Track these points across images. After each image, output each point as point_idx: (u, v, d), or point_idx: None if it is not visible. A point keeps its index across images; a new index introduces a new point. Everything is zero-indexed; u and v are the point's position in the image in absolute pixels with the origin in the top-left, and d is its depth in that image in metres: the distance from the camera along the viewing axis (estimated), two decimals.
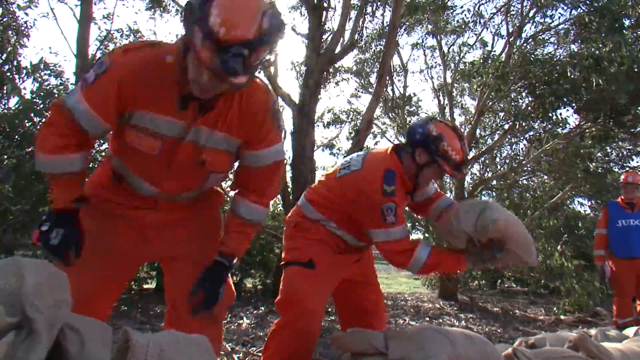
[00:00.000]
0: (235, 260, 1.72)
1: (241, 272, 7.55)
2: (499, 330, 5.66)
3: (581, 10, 5.63)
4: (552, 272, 7.61)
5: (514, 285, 12.01)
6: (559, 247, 6.72)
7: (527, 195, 10.15)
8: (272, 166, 1.69)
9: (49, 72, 7.88)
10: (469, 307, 7.47)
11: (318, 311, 2.21)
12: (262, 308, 6.21)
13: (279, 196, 11.64)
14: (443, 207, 2.46)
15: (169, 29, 29.10)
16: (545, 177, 10.16)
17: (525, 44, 7.23)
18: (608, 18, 5.42)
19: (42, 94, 7.40)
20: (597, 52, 5.13)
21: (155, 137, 1.54)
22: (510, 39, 7.15)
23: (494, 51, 8.13)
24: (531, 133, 8.72)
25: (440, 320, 6.15)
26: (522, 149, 10.45)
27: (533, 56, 6.83)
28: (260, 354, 2.60)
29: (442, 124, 2.27)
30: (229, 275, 1.78)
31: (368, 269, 2.53)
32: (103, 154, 5.54)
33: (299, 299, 2.14)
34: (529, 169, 9.85)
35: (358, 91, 11.12)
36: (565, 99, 6.62)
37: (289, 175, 8.24)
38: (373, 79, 10.72)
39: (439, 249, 2.34)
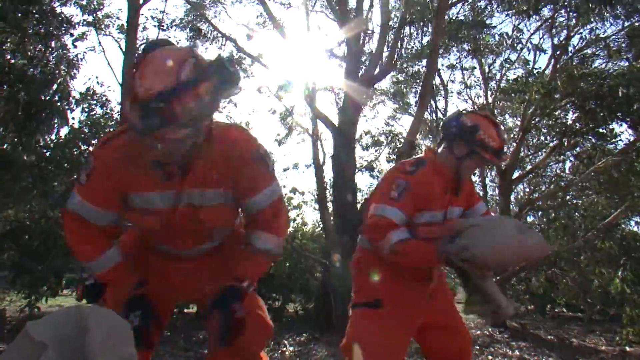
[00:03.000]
0: (247, 284, 1.67)
1: (282, 297, 7.46)
2: None
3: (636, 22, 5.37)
4: (610, 298, 7.16)
5: (565, 311, 11.36)
6: (619, 273, 6.28)
7: (576, 215, 9.68)
8: (270, 208, 1.71)
9: (95, 101, 8.20)
10: (520, 335, 7.07)
11: (385, 356, 2.05)
12: (305, 335, 6.08)
13: (318, 219, 11.58)
14: None
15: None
16: (594, 196, 9.67)
17: (570, 60, 6.98)
18: None
19: (89, 122, 7.70)
20: None
21: (153, 214, 1.62)
22: (557, 53, 6.92)
23: (538, 68, 7.90)
24: (578, 150, 8.36)
25: (492, 349, 5.83)
26: (568, 167, 10.04)
27: (581, 71, 6.56)
28: None
29: (474, 114, 2.25)
30: (259, 304, 1.85)
31: (446, 306, 2.33)
32: None
33: (364, 344, 2.03)
34: (577, 188, 9.41)
35: (395, 113, 11.05)
36: (619, 114, 6.31)
37: (330, 197, 8.17)
38: (410, 100, 10.64)
39: (415, 242, 2.06)
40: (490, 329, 7.44)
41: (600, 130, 7.08)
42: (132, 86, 1.33)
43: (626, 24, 6.60)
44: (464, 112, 2.27)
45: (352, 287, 2.29)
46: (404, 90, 10.27)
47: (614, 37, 6.73)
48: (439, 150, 2.24)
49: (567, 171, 10.22)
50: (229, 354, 1.66)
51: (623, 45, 6.54)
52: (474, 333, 7.12)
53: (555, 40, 7.12)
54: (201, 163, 1.56)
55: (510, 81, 7.81)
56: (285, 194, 10.34)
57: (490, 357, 5.30)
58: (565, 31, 7.07)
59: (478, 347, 5.90)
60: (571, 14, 6.80)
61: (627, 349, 6.20)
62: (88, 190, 1.59)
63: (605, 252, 7.40)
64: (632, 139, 7.22)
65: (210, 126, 1.55)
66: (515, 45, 8.48)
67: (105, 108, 8.72)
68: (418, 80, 10.09)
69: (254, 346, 1.77)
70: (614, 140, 7.36)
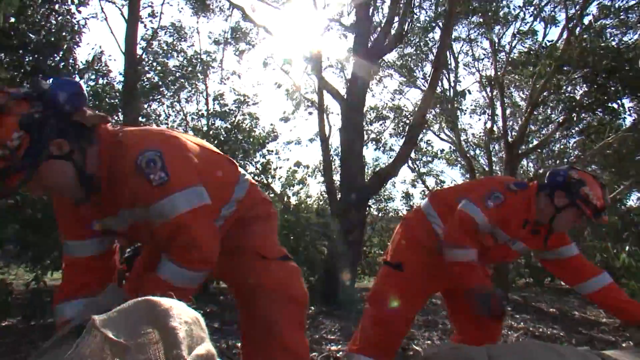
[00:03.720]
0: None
1: None
2: (561, 334, 5.40)
3: None
4: (613, 271, 7.23)
5: (563, 284, 11.54)
6: (626, 247, 6.34)
7: None
8: (163, 229, 1.48)
9: (101, 72, 8.01)
10: (523, 308, 7.19)
11: (401, 315, 2.27)
12: (312, 308, 6.12)
13: (323, 191, 11.53)
14: (601, 284, 2.31)
15: (211, 27, 29.43)
16: (599, 171, 9.68)
17: (584, 32, 6.83)
18: None
19: (91, 93, 7.55)
20: None
21: (115, 234, 1.67)
22: (570, 25, 6.76)
23: (549, 40, 7.76)
24: (583, 126, 8.32)
25: None
26: (573, 143, 10.01)
27: (595, 43, 6.43)
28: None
29: (584, 171, 2.27)
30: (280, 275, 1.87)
31: None
32: None
33: (383, 299, 2.29)
34: (581, 163, 9.40)
35: (402, 86, 10.89)
36: (632, 88, 6.23)
37: (335, 170, 8.13)
38: (417, 73, 10.47)
39: (478, 272, 2.16)
40: None
41: (611, 105, 7.02)
42: None
43: None
44: (574, 167, 2.30)
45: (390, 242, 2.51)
46: (411, 65, 10.09)
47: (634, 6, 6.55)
48: (540, 194, 2.25)
49: (571, 146, 10.22)
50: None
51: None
52: None
53: (571, 11, 6.94)
54: (105, 186, 1.50)
55: (522, 53, 7.65)
56: (290, 168, 10.31)
57: None
58: (579, 2, 6.88)
59: None
60: None
61: None
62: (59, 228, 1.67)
63: (610, 226, 7.45)
64: None
65: (96, 148, 1.47)
66: (526, 16, 8.29)
67: (106, 78, 8.57)
68: (426, 53, 9.94)
69: (287, 340, 1.77)
70: (622, 115, 7.32)
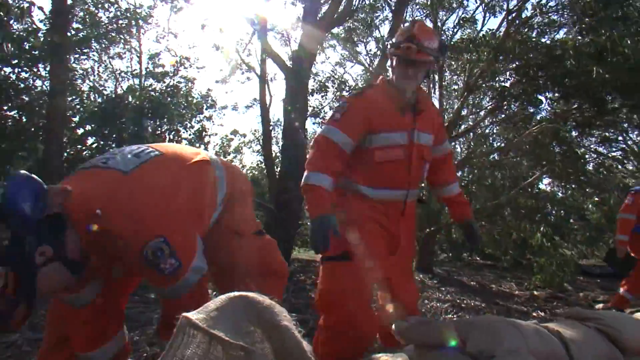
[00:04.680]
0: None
1: None
2: (483, 305, 5.88)
3: None
4: (526, 248, 7.97)
5: (478, 259, 12.56)
6: (541, 227, 7.00)
7: (498, 174, 10.47)
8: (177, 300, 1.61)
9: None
10: (447, 281, 7.71)
11: (361, 311, 2.09)
12: None
13: (259, 161, 11.30)
14: (449, 193, 2.50)
15: None
16: (518, 158, 10.46)
17: (522, 27, 7.24)
18: (612, 8, 5.48)
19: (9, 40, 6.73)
20: (605, 40, 5.18)
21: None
22: (509, 18, 7.13)
23: (489, 29, 8.13)
24: (510, 114, 8.91)
25: (426, 294, 6.31)
26: (495, 129, 10.67)
27: (530, 38, 6.85)
28: None
29: None
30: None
31: (406, 264, 2.46)
32: None
33: (336, 301, 2.07)
34: (507, 149, 10.10)
35: (344, 60, 10.91)
36: (557, 83, 6.74)
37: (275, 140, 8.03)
38: (361, 48, 10.53)
39: (322, 193, 2.01)
40: (421, 275, 8.03)
41: (538, 97, 7.57)
42: None
43: None
44: None
45: None
46: (355, 39, 10.10)
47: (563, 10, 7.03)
48: (388, 76, 2.30)
49: (495, 132, 10.90)
50: None
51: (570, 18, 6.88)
52: None
53: (512, 3, 7.30)
54: (95, 260, 1.57)
55: (463, 39, 7.95)
56: (225, 135, 9.99)
57: (426, 301, 5.74)
58: None
59: None
60: None
61: (535, 292, 7.06)
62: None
63: (527, 208, 8.16)
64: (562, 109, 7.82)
65: (72, 231, 1.44)
66: (470, 4, 8.59)
67: (22, 21, 7.63)
68: (372, 30, 9.98)
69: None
70: (544, 107, 7.95)
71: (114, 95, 6.91)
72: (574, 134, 8.38)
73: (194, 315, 0.78)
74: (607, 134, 8.35)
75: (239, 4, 10.50)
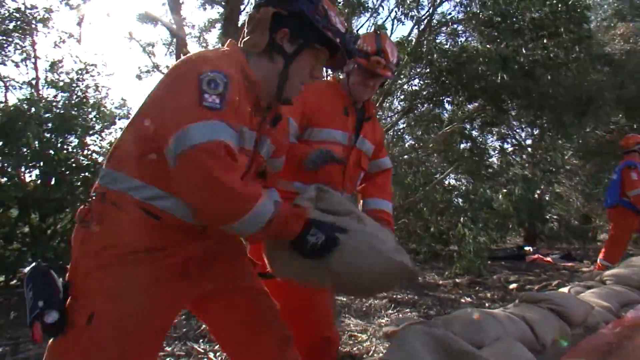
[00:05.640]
0: None
1: None
2: (416, 297, 6.22)
3: (489, 12, 6.30)
4: (445, 240, 8.59)
5: None
6: (461, 219, 7.61)
7: (409, 170, 11.18)
8: None
9: None
10: None
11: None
12: None
13: None
14: (377, 207, 2.27)
15: None
16: (432, 158, 11.24)
17: (431, 34, 7.83)
18: (508, 21, 6.17)
19: None
20: (507, 49, 5.82)
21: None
22: (419, 26, 7.68)
23: (402, 36, 8.66)
24: (421, 116, 9.57)
25: None
26: (400, 129, 11.34)
27: (440, 45, 7.43)
28: None
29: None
30: None
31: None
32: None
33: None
34: (412, 148, 10.81)
35: None
36: (464, 87, 7.40)
37: None
38: None
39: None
40: None
41: (447, 100, 8.23)
42: None
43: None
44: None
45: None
46: None
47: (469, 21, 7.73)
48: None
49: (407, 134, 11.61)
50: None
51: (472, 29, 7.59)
52: None
53: (423, 12, 7.85)
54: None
55: None
56: None
57: (364, 299, 5.93)
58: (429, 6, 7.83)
59: None
60: None
61: (457, 280, 7.64)
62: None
63: (441, 202, 8.80)
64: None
65: None
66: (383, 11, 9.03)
67: None
68: None
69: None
70: (453, 109, 8.67)
71: (12, 108, 6.13)
72: (475, 133, 9.23)
73: None
74: (503, 130, 9.32)
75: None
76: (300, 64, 1.43)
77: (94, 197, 1.31)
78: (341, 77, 2.22)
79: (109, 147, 8.45)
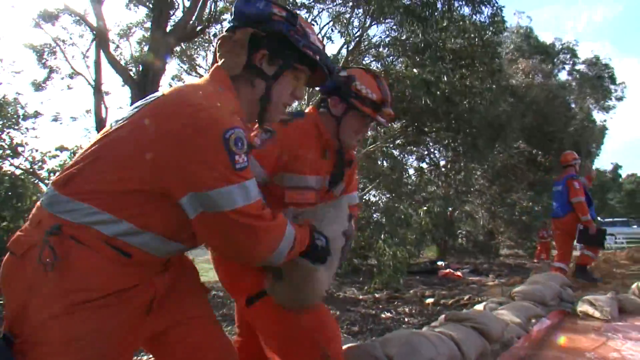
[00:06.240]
0: None
1: None
2: (338, 313, 6.27)
3: (416, 40, 6.68)
4: (365, 255, 8.82)
5: None
6: (382, 236, 7.85)
7: None
8: None
9: None
10: None
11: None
12: None
13: None
14: None
15: None
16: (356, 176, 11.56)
17: (359, 56, 8.10)
18: (432, 47, 6.57)
19: None
20: (430, 76, 6.20)
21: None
22: (349, 46, 7.92)
23: (332, 54, 8.83)
24: None
25: None
26: None
27: (372, 66, 7.71)
28: None
29: (351, 68, 2.01)
30: None
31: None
32: None
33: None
34: None
35: (181, 73, 10.47)
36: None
37: None
38: (200, 62, 10.27)
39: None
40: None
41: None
42: None
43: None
44: (343, 68, 2.01)
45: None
46: (193, 54, 9.83)
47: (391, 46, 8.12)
48: (321, 113, 1.91)
49: None
50: None
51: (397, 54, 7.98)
52: None
53: (353, 32, 8.10)
54: None
55: None
56: (49, 151, 8.54)
57: None
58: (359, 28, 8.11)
59: None
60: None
61: (377, 295, 7.85)
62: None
63: (362, 218, 9.04)
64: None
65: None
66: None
67: None
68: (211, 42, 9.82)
69: None
70: (379, 129, 9.00)
71: None
72: (396, 152, 9.66)
73: None
74: (421, 150, 9.86)
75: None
76: (281, 86, 1.38)
77: (51, 232, 1.11)
78: (320, 110, 1.91)
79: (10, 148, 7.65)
